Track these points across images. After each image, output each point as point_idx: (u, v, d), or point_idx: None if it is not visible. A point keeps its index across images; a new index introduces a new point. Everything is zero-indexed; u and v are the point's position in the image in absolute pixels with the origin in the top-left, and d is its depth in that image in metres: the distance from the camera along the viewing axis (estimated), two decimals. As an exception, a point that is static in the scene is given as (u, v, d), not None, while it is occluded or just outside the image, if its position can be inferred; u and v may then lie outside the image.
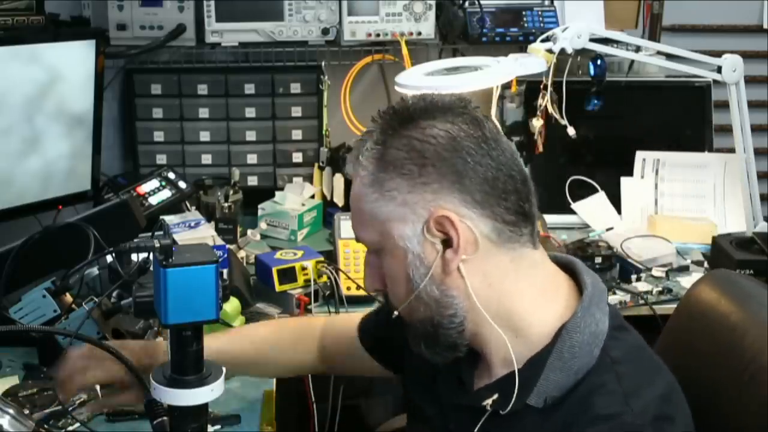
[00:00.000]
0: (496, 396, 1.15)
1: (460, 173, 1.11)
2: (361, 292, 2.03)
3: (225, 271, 1.88)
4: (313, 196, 2.55)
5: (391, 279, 1.18)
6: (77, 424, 1.52)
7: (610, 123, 2.55)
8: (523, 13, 2.45)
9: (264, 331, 1.62)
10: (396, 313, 1.19)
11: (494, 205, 1.11)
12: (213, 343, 1.37)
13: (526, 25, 2.44)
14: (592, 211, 2.52)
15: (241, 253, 2.26)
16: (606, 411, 1.07)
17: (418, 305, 1.16)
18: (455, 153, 1.11)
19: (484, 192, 1.11)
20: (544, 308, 1.15)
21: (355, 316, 1.56)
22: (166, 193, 2.32)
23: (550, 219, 2.40)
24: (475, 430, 1.16)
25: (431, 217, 1.11)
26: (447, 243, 1.12)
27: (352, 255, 2.10)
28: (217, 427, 1.54)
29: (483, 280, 1.13)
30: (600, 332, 1.13)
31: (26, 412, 1.37)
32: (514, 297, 1.15)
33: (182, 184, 2.37)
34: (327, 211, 2.52)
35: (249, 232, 2.38)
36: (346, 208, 2.53)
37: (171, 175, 2.37)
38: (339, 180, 2.55)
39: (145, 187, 2.31)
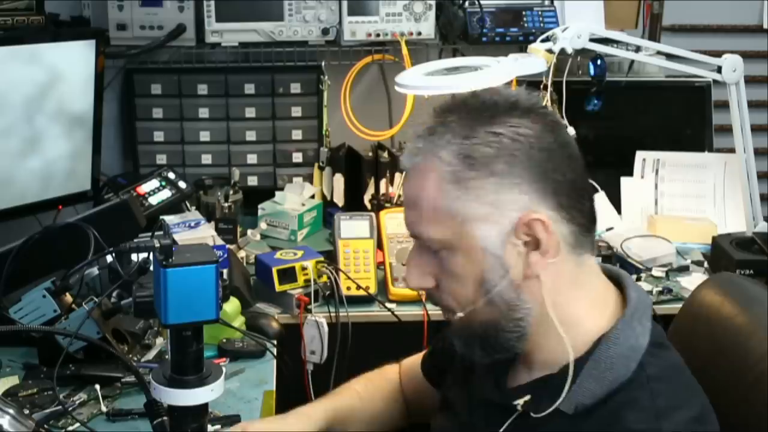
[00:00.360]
0: (528, 397, 1.14)
1: (548, 174, 1.09)
2: (361, 293, 2.03)
3: (225, 271, 1.89)
4: (313, 196, 2.55)
5: (457, 279, 1.13)
6: (77, 424, 1.52)
7: (610, 123, 2.55)
8: (523, 13, 2.45)
9: (359, 384, 1.56)
10: (459, 314, 1.14)
11: (574, 208, 1.11)
12: (329, 403, 1.47)
13: (526, 25, 2.44)
14: (592, 211, 2.51)
15: (241, 253, 2.26)
16: (636, 426, 1.06)
17: (485, 308, 1.12)
18: (544, 153, 1.09)
19: (568, 195, 1.10)
20: (593, 317, 1.14)
21: (420, 356, 1.54)
22: (166, 193, 2.32)
23: (550, 219, 2.40)
24: (502, 429, 1.15)
25: (521, 219, 1.08)
26: (531, 245, 1.09)
27: (352, 255, 2.10)
28: (217, 427, 1.54)
29: (553, 285, 1.12)
30: (638, 347, 1.12)
31: (26, 412, 1.38)
32: (572, 303, 1.14)
33: (182, 184, 2.37)
34: (327, 211, 2.52)
35: (249, 232, 2.38)
36: (346, 208, 2.53)
37: (171, 175, 2.37)
38: (339, 180, 2.56)
39: (145, 187, 2.31)
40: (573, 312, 1.13)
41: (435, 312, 2.05)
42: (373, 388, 1.55)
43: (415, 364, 1.53)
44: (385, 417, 1.54)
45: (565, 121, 2.17)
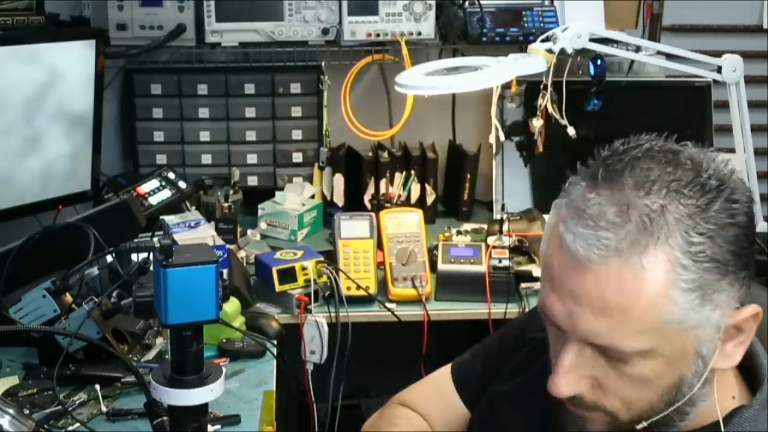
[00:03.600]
0: None
1: (751, 259, 0.95)
2: (361, 293, 2.04)
3: (225, 271, 1.89)
4: (313, 196, 2.55)
5: (642, 385, 0.95)
6: (77, 424, 1.52)
7: (610, 123, 2.55)
8: (523, 13, 2.45)
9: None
10: (644, 424, 0.97)
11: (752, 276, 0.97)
12: None
13: (526, 25, 2.44)
14: (592, 211, 2.51)
15: (241, 253, 2.26)
16: None
17: (664, 408, 0.97)
18: (750, 238, 0.94)
19: (751, 275, 0.96)
20: (718, 386, 1.00)
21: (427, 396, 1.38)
22: (166, 193, 2.32)
23: (550, 219, 2.40)
24: None
25: (737, 316, 0.94)
26: (730, 335, 0.95)
27: (352, 255, 2.10)
28: (217, 427, 1.54)
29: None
30: None
31: (26, 412, 1.37)
32: (720, 378, 1.00)
33: (182, 184, 2.37)
34: (327, 211, 2.52)
35: (249, 232, 2.38)
36: (346, 208, 2.53)
37: (171, 175, 2.37)
38: (339, 180, 2.56)
39: (145, 187, 2.31)
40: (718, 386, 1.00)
41: (435, 312, 2.06)
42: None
43: (431, 392, 1.38)
44: None
45: (565, 121, 2.17)
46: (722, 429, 0.98)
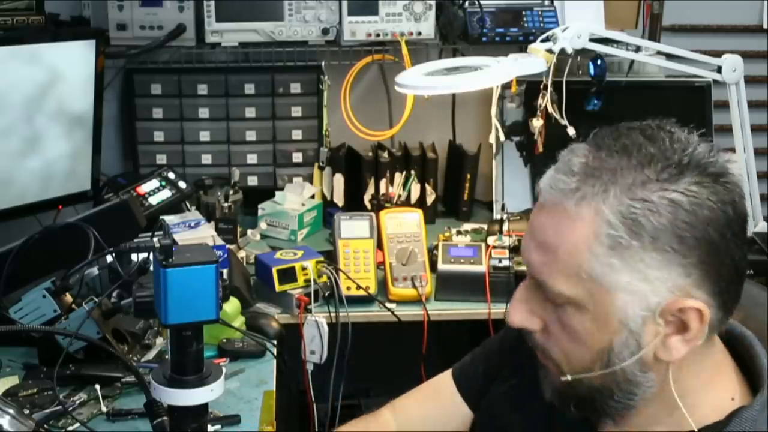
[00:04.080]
0: None
1: (718, 256, 0.95)
2: (361, 293, 2.04)
3: (225, 271, 1.89)
4: (313, 196, 2.55)
5: (576, 339, 1.00)
6: (77, 424, 1.52)
7: (610, 123, 2.55)
8: (523, 13, 2.45)
9: (390, 412, 1.40)
10: (567, 378, 1.02)
11: (728, 293, 0.98)
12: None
13: (526, 25, 2.44)
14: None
15: (241, 253, 2.26)
16: None
17: (601, 376, 1.00)
18: (720, 232, 0.94)
19: (730, 280, 0.98)
20: (713, 388, 1.03)
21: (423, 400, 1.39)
22: (166, 193, 2.32)
23: (550, 219, 2.40)
24: None
25: (675, 303, 0.95)
26: (674, 328, 0.97)
27: (352, 255, 2.10)
28: (217, 427, 1.54)
29: (679, 364, 1.00)
30: None
31: (26, 412, 1.37)
32: (694, 377, 1.02)
33: (182, 184, 2.37)
34: (327, 211, 2.52)
35: (249, 232, 2.38)
36: (346, 208, 2.53)
37: (171, 175, 2.37)
38: (339, 180, 2.56)
39: (145, 187, 2.31)
40: (693, 386, 1.02)
41: (435, 312, 2.06)
42: (405, 414, 1.39)
43: (429, 392, 1.39)
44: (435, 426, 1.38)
45: (565, 121, 2.17)
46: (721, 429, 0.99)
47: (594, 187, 0.95)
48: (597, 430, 1.09)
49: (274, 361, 1.80)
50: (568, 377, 1.02)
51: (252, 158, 2.61)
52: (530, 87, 2.48)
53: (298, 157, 2.63)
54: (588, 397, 1.03)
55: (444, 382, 1.38)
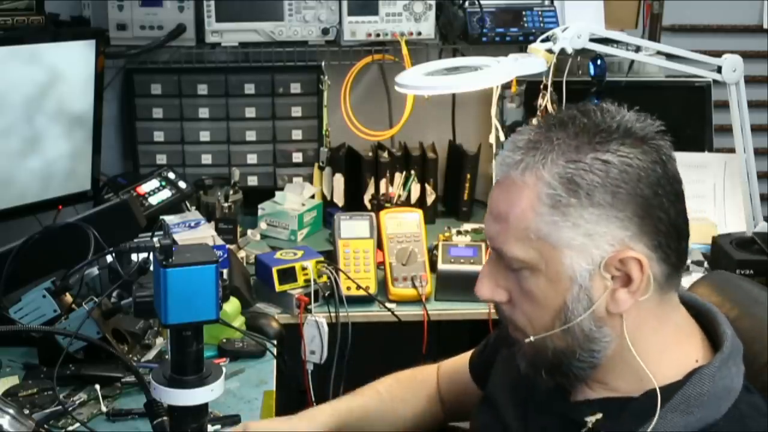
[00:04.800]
0: (599, 415, 1.09)
1: (652, 211, 1.04)
2: (361, 293, 2.04)
3: (225, 271, 1.89)
4: (313, 196, 2.55)
5: (535, 302, 1.08)
6: (77, 424, 1.52)
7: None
8: (523, 13, 2.45)
9: (383, 385, 1.51)
10: (530, 339, 1.10)
11: (669, 248, 1.06)
12: (341, 403, 1.44)
13: (526, 25, 2.44)
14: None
15: (241, 253, 2.26)
16: None
17: (560, 336, 1.08)
18: (651, 188, 1.03)
19: (667, 234, 1.05)
20: (676, 351, 1.10)
21: (465, 356, 1.50)
22: (166, 193, 2.32)
23: (550, 219, 2.40)
24: None
25: (616, 255, 1.03)
26: (620, 281, 1.05)
27: (352, 255, 2.10)
28: (217, 427, 1.54)
29: (635, 321, 1.07)
30: (733, 389, 1.07)
31: (26, 412, 1.37)
32: (652, 338, 1.09)
33: (182, 184, 2.37)
34: (327, 211, 2.52)
35: (249, 232, 2.38)
36: (346, 208, 2.53)
37: (171, 175, 2.37)
38: (339, 180, 2.56)
39: (145, 187, 2.31)
40: (652, 345, 1.09)
41: (435, 312, 2.06)
42: (400, 388, 1.50)
43: (458, 364, 1.49)
44: (415, 421, 1.49)
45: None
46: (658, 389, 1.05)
47: (535, 157, 1.05)
48: (570, 400, 1.15)
49: (274, 361, 1.80)
50: (532, 338, 1.10)
51: (252, 158, 2.61)
52: (530, 87, 2.48)
53: (298, 157, 2.63)
54: (554, 360, 1.10)
55: (463, 362, 1.49)
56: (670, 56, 2.24)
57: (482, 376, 1.41)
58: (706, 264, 2.24)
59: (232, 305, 1.85)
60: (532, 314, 1.10)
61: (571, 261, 1.04)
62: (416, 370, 1.55)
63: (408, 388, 1.51)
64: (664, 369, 1.07)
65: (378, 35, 2.44)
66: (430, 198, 2.57)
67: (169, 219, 2.20)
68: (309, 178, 2.62)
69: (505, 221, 1.07)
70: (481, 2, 2.38)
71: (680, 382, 1.06)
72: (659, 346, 1.09)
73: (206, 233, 2.18)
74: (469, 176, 2.59)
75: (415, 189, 2.54)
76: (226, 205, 2.39)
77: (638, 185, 1.03)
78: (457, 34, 2.46)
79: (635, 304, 1.06)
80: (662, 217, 1.04)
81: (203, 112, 2.58)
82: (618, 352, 1.08)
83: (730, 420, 1.04)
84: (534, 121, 1.12)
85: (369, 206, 2.50)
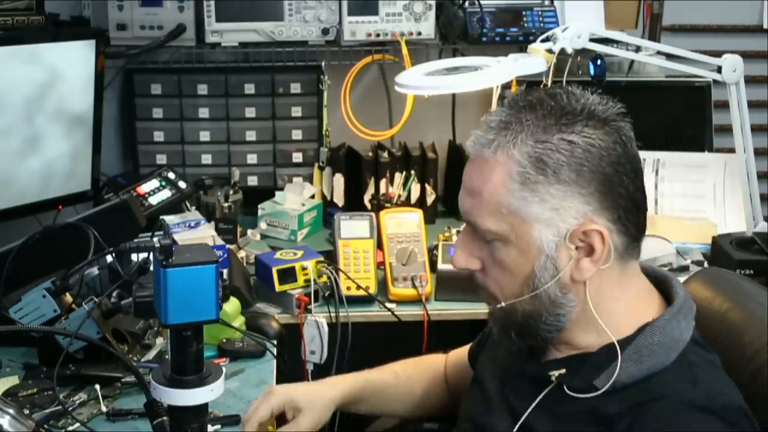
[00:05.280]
0: (563, 370, 1.19)
1: (613, 187, 1.13)
2: (361, 293, 2.03)
3: (225, 271, 1.89)
4: (313, 196, 2.55)
5: (505, 270, 1.18)
6: (77, 424, 1.52)
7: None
8: (523, 13, 2.45)
9: (399, 365, 1.63)
10: (501, 304, 1.20)
11: (630, 221, 1.15)
12: (361, 375, 1.56)
13: (526, 25, 2.44)
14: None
15: (241, 253, 2.26)
16: (674, 392, 1.11)
17: (529, 301, 1.18)
18: (612, 166, 1.12)
19: (626, 208, 1.14)
20: (634, 311, 1.19)
21: (468, 346, 1.59)
22: (166, 193, 2.32)
23: (550, 219, 2.40)
24: (537, 400, 1.20)
25: (580, 227, 1.13)
26: (583, 252, 1.14)
27: (352, 255, 2.10)
28: (217, 427, 1.54)
29: (597, 287, 1.17)
30: (681, 340, 1.17)
31: (26, 412, 1.38)
32: (614, 303, 1.18)
33: (182, 184, 2.37)
34: (327, 211, 2.52)
35: (249, 232, 2.38)
36: (346, 208, 2.53)
37: (171, 175, 2.37)
38: (339, 180, 2.56)
39: (145, 187, 2.31)
40: (614, 308, 1.18)
41: (435, 312, 2.06)
42: (413, 369, 1.61)
43: (461, 353, 1.59)
44: (423, 399, 1.59)
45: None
46: (615, 340, 1.16)
47: (506, 137, 1.14)
48: (540, 361, 1.25)
49: (274, 361, 1.80)
50: (503, 303, 1.20)
51: (252, 158, 2.61)
52: (530, 87, 2.47)
53: (298, 157, 2.63)
54: (523, 323, 1.20)
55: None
56: (670, 56, 2.24)
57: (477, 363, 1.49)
58: (706, 264, 2.24)
59: (232, 305, 1.85)
60: (503, 282, 1.19)
61: (539, 233, 1.14)
62: (429, 356, 1.67)
63: (420, 369, 1.62)
64: (622, 327, 1.18)
65: (378, 35, 2.44)
66: (430, 198, 2.57)
67: (169, 219, 2.20)
68: (309, 178, 2.62)
69: (478, 196, 1.17)
70: (481, 2, 2.38)
71: (633, 334, 1.16)
72: (620, 309, 1.18)
73: (206, 233, 2.18)
74: (469, 176, 2.59)
75: (415, 189, 2.54)
76: (226, 205, 2.39)
77: (600, 164, 1.12)
78: (457, 34, 2.46)
79: (597, 272, 1.15)
80: (622, 192, 1.13)
81: (203, 112, 2.58)
82: (582, 315, 1.18)
83: (677, 366, 1.14)
84: (504, 102, 1.17)
85: (369, 206, 2.50)
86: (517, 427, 1.22)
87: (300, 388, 1.52)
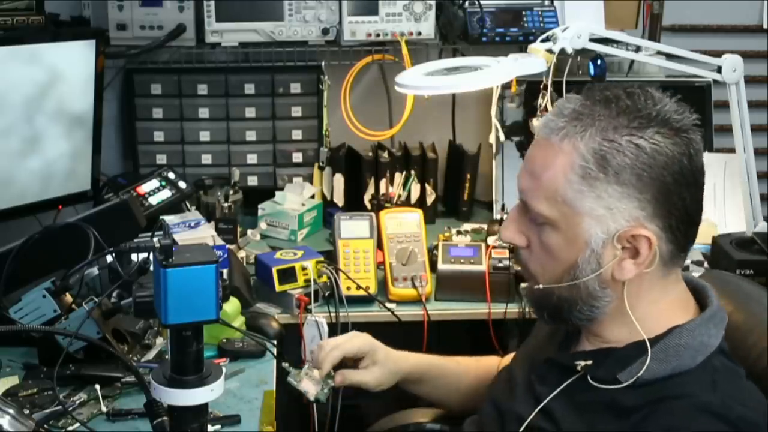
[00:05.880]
0: (590, 362, 1.21)
1: (669, 197, 1.14)
2: (361, 293, 2.03)
3: (225, 271, 1.89)
4: (313, 196, 2.55)
5: (550, 254, 1.20)
6: (77, 424, 1.52)
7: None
8: (523, 13, 2.45)
9: (462, 357, 1.66)
10: (540, 286, 1.22)
11: (680, 231, 1.16)
12: (425, 357, 1.61)
13: (526, 25, 2.44)
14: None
15: (241, 253, 2.26)
16: (692, 393, 1.12)
17: (567, 288, 1.20)
18: (674, 177, 1.13)
19: (679, 219, 1.15)
20: (667, 316, 1.21)
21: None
22: (166, 193, 2.32)
23: (550, 219, 2.40)
24: (561, 387, 1.23)
25: (629, 230, 1.14)
26: (628, 253, 1.16)
27: (352, 255, 2.10)
28: (217, 427, 1.54)
29: (636, 287, 1.19)
30: (709, 345, 1.18)
31: (26, 412, 1.37)
32: (650, 305, 1.20)
33: (182, 184, 2.37)
34: (327, 211, 2.52)
35: (249, 232, 2.38)
36: (346, 208, 2.53)
37: (171, 175, 2.37)
38: (339, 180, 2.56)
39: (145, 187, 2.31)
40: (649, 310, 1.20)
41: (435, 312, 2.06)
42: (473, 365, 1.65)
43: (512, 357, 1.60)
44: (474, 396, 1.59)
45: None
46: (645, 338, 1.17)
47: (576, 127, 1.15)
48: (569, 351, 1.28)
49: (274, 361, 1.80)
50: (541, 286, 1.23)
51: (252, 158, 2.61)
52: (530, 87, 2.48)
53: (298, 157, 2.63)
54: (558, 306, 1.22)
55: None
56: (670, 56, 2.24)
57: None
58: (706, 264, 2.24)
59: (232, 305, 1.85)
60: (545, 264, 1.22)
61: (589, 227, 1.15)
62: (486, 357, 1.69)
63: (478, 366, 1.64)
64: (653, 327, 1.19)
65: (378, 35, 2.44)
66: (430, 198, 2.57)
67: (169, 219, 2.20)
68: (309, 178, 2.62)
69: (537, 179, 1.18)
70: (481, 2, 2.38)
71: (662, 335, 1.18)
72: (655, 312, 1.20)
73: (206, 233, 2.18)
74: (469, 176, 2.59)
75: (415, 189, 2.54)
76: (226, 205, 2.39)
77: (662, 172, 1.12)
78: (457, 34, 2.46)
79: (639, 274, 1.17)
80: (678, 203, 1.14)
81: (203, 112, 2.58)
82: (616, 311, 1.20)
83: (700, 369, 1.16)
84: (582, 91, 1.21)
85: (369, 206, 2.50)
86: (537, 409, 1.24)
87: (382, 345, 1.57)
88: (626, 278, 1.17)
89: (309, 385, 1.53)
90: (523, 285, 2.10)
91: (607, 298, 1.19)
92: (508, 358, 1.61)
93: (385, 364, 1.55)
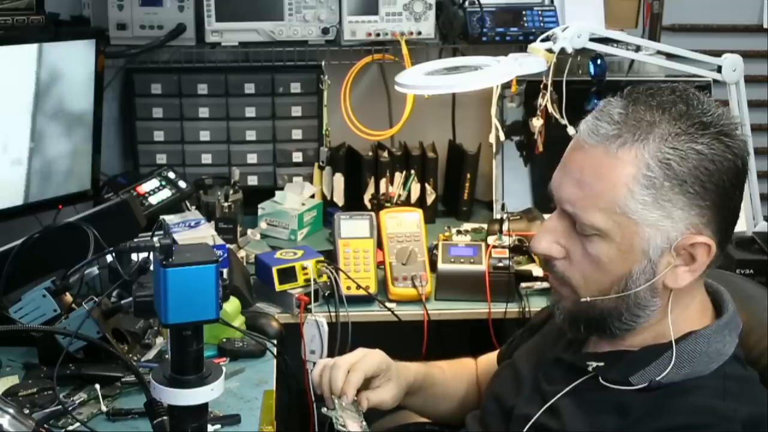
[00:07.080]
0: (602, 363, 1.20)
1: (727, 202, 1.13)
2: (361, 292, 2.03)
3: (225, 271, 1.89)
4: (313, 196, 2.55)
5: (598, 266, 1.16)
6: (77, 424, 1.52)
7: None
8: (523, 12, 2.45)
9: (442, 363, 1.63)
10: (585, 299, 1.18)
11: (728, 234, 1.16)
12: (420, 368, 1.55)
13: (526, 24, 2.44)
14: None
15: (241, 253, 2.26)
16: (702, 396, 1.13)
17: (615, 299, 1.17)
18: (731, 182, 1.13)
19: (731, 222, 1.16)
20: (689, 319, 1.20)
21: (497, 351, 1.61)
22: (166, 193, 2.32)
23: (550, 219, 2.40)
24: (570, 386, 1.22)
25: (689, 238, 1.12)
26: (683, 259, 1.14)
27: (352, 254, 2.10)
28: (217, 426, 1.54)
29: (677, 294, 1.18)
30: (723, 353, 1.18)
31: (26, 411, 1.37)
32: (683, 309, 1.19)
33: (182, 184, 2.37)
34: (327, 211, 2.52)
35: (249, 231, 2.38)
36: (346, 207, 2.53)
37: (171, 175, 2.37)
38: (339, 180, 2.56)
39: (145, 187, 2.31)
40: (677, 315, 1.18)
41: (435, 312, 2.06)
42: (457, 369, 1.62)
43: (492, 358, 1.60)
44: (464, 401, 1.59)
45: (565, 121, 2.17)
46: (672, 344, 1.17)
47: (634, 135, 1.10)
48: (581, 351, 1.27)
49: (274, 361, 1.80)
50: (587, 299, 1.18)
51: (252, 158, 2.61)
52: (530, 87, 2.48)
53: (298, 157, 2.63)
54: (599, 317, 1.19)
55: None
56: (670, 56, 2.24)
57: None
58: (706, 264, 2.24)
59: (232, 305, 1.85)
60: (591, 276, 1.17)
61: (649, 237, 1.12)
62: (463, 359, 1.66)
63: (461, 371, 1.62)
64: (673, 332, 1.17)
65: (378, 35, 2.44)
66: (430, 198, 2.57)
67: (169, 219, 2.20)
68: (309, 178, 2.62)
69: (589, 189, 1.13)
70: (481, 2, 2.38)
71: (678, 339, 1.16)
72: (682, 317, 1.19)
73: (206, 233, 2.18)
74: (469, 176, 2.59)
75: (415, 189, 2.54)
76: (226, 204, 2.39)
77: (723, 177, 1.11)
78: (457, 34, 2.46)
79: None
80: (732, 206, 1.15)
81: (203, 112, 2.58)
82: (654, 318, 1.18)
83: (713, 376, 1.15)
84: (625, 94, 1.17)
85: (369, 206, 2.50)
86: (545, 407, 1.23)
87: (392, 361, 1.51)
88: (680, 286, 1.15)
89: (353, 424, 1.40)
90: (524, 285, 2.10)
91: (653, 307, 1.17)
92: (488, 358, 1.62)
93: (397, 380, 1.49)
